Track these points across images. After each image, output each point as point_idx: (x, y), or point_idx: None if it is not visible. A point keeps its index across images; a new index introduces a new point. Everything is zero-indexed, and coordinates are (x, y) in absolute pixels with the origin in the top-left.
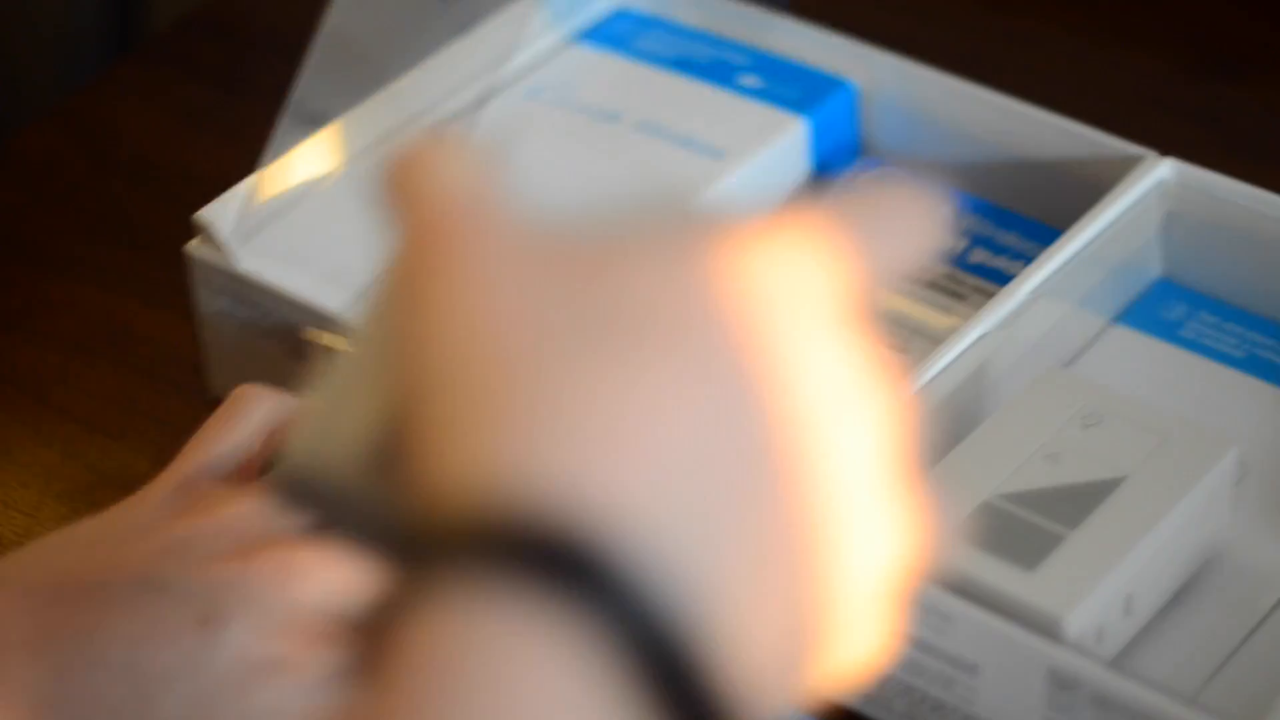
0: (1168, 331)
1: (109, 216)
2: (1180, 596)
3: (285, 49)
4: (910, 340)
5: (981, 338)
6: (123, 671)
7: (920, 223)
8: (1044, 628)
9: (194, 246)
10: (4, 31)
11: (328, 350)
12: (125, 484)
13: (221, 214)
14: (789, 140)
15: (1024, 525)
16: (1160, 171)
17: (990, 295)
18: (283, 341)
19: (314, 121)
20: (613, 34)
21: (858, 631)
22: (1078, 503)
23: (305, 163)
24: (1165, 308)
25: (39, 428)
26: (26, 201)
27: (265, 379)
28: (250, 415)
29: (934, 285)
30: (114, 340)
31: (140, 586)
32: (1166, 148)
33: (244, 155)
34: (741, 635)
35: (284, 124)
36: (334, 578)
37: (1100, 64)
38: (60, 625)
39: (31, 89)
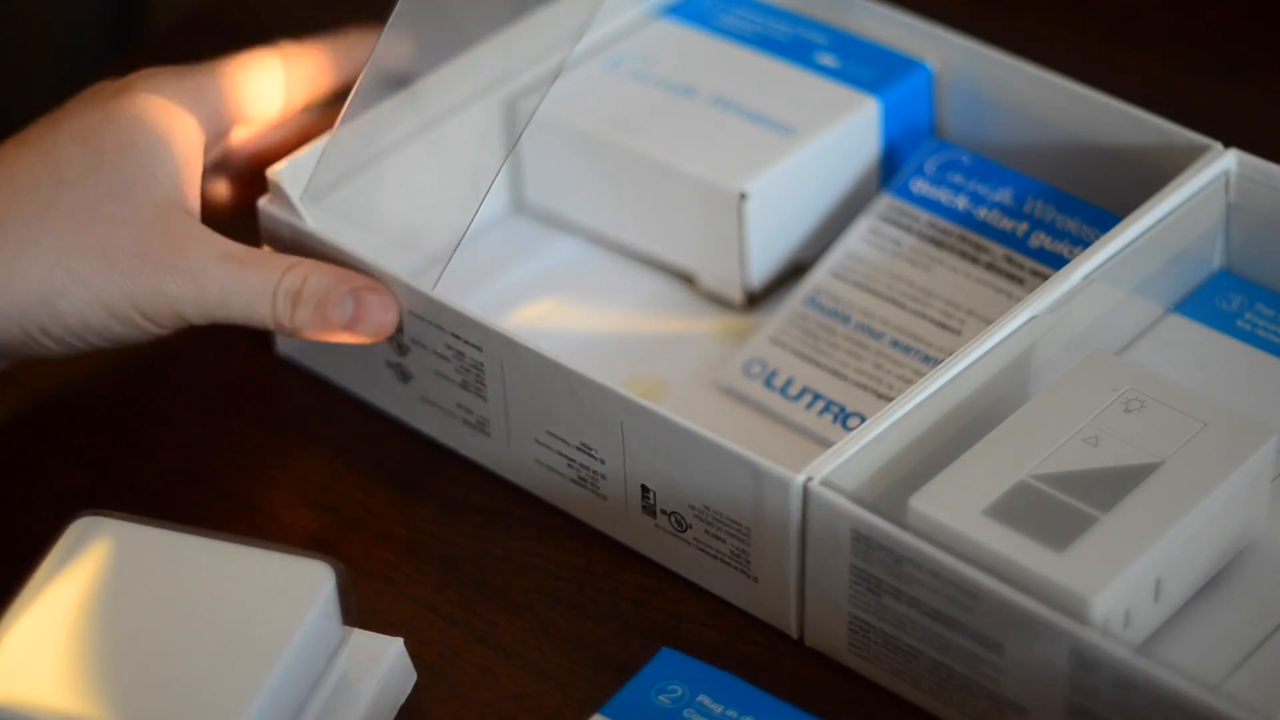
0: (1224, 322)
1: None
2: (1212, 585)
3: None
4: (965, 322)
5: (1031, 320)
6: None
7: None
8: (1071, 609)
9: (264, 203)
10: (4, 31)
11: None
12: (125, 483)
13: (293, 172)
14: (860, 119)
15: (1057, 506)
16: (1225, 162)
17: (1045, 279)
18: None
19: (392, 83)
20: (695, 10)
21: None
22: (1113, 486)
23: (380, 125)
24: (1223, 299)
25: (39, 428)
26: None
27: (325, 346)
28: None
29: (993, 268)
30: None
31: None
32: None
33: None
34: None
35: (362, 84)
36: None
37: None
38: None
39: (32, 89)
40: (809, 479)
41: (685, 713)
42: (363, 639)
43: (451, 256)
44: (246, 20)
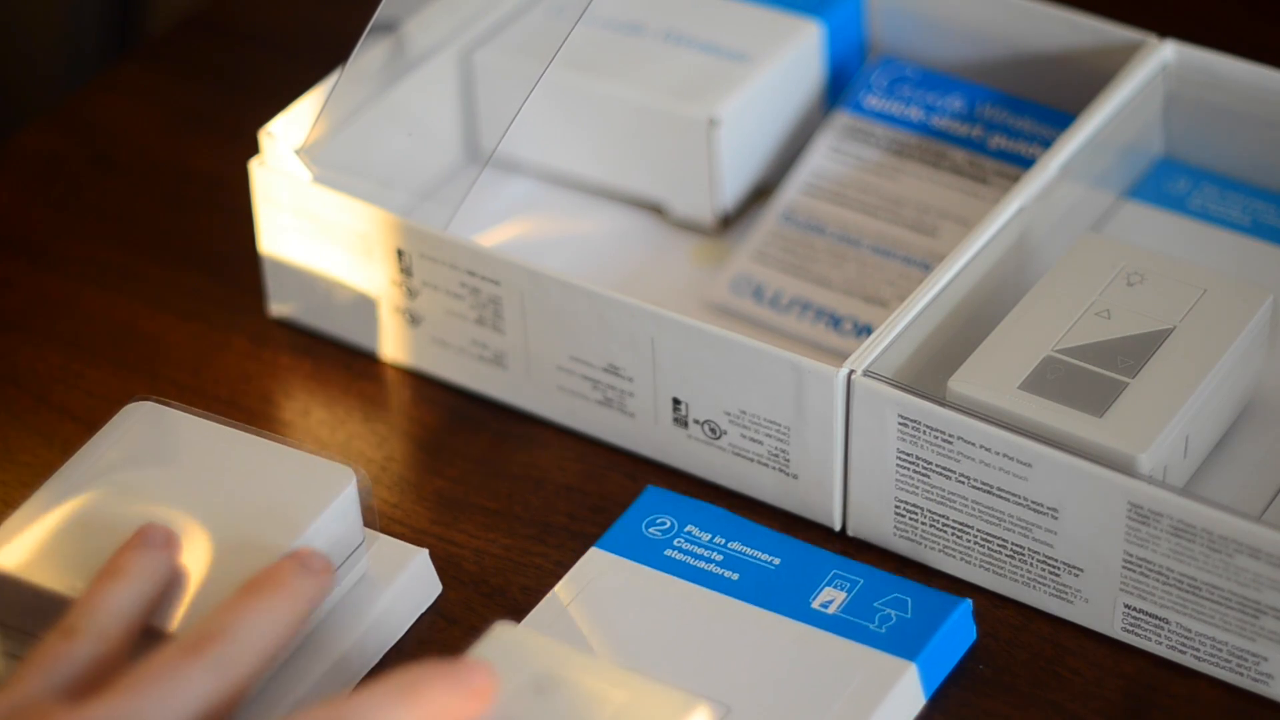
0: (1178, 204)
1: (109, 216)
2: (1224, 439)
3: (285, 49)
4: (939, 223)
5: (1020, 210)
6: None
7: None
8: (1120, 468)
9: (257, 161)
10: (4, 32)
11: None
12: None
13: (286, 128)
14: (806, 44)
15: (1087, 376)
16: (1163, 54)
17: (1011, 178)
18: (344, 253)
19: (386, 30)
20: None
21: None
22: (1133, 353)
23: (366, 73)
24: (1170, 183)
25: (39, 428)
26: (26, 201)
27: (323, 301)
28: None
29: (957, 171)
30: (114, 340)
31: None
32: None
33: (244, 155)
34: None
35: (364, 39)
36: None
37: None
38: None
39: (31, 89)
40: (851, 371)
41: (675, 542)
42: (387, 546)
43: (465, 197)
44: (246, 20)
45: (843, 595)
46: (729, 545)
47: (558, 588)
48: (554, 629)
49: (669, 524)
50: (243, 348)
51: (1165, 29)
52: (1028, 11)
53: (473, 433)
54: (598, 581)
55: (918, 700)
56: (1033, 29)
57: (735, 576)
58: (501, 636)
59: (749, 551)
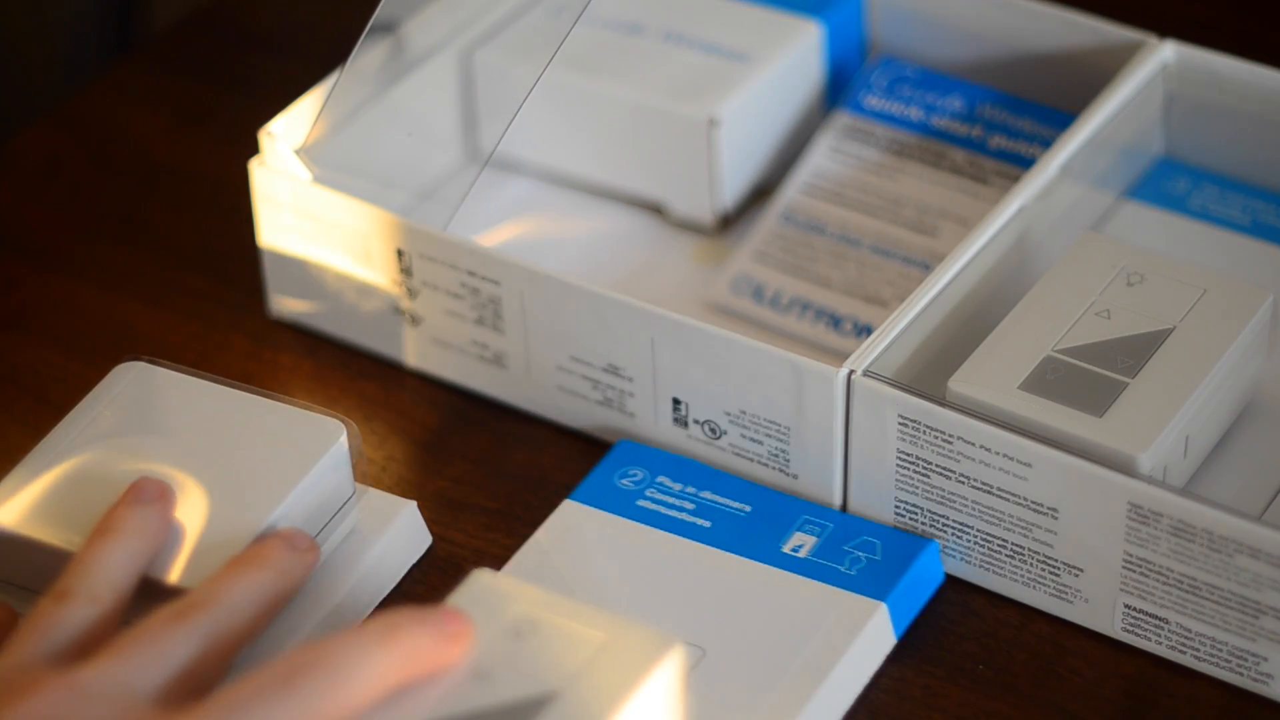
0: (1178, 204)
1: (109, 216)
2: (1223, 440)
3: (285, 49)
4: (939, 223)
5: (1021, 210)
6: None
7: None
8: (1120, 468)
9: (257, 161)
10: (4, 32)
11: None
12: None
13: (285, 128)
14: (806, 44)
15: (1087, 376)
16: (1163, 54)
17: (1011, 178)
18: (345, 253)
19: (386, 30)
20: None
21: None
22: (1133, 354)
23: (366, 73)
24: (1170, 183)
25: (39, 428)
26: (26, 201)
27: (324, 301)
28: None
29: (956, 171)
30: (114, 340)
31: None
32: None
33: (244, 155)
34: None
35: (364, 39)
36: None
37: None
38: None
39: (31, 89)
40: (851, 371)
41: (648, 493)
42: (377, 498)
43: (465, 197)
44: (246, 20)
45: (813, 539)
46: (700, 494)
47: (533, 538)
48: (531, 577)
49: (640, 475)
50: (243, 348)
51: (1165, 29)
52: (1028, 11)
53: (473, 433)
54: (573, 532)
55: (889, 639)
56: (1033, 29)
57: (707, 524)
58: (479, 583)
59: (720, 499)
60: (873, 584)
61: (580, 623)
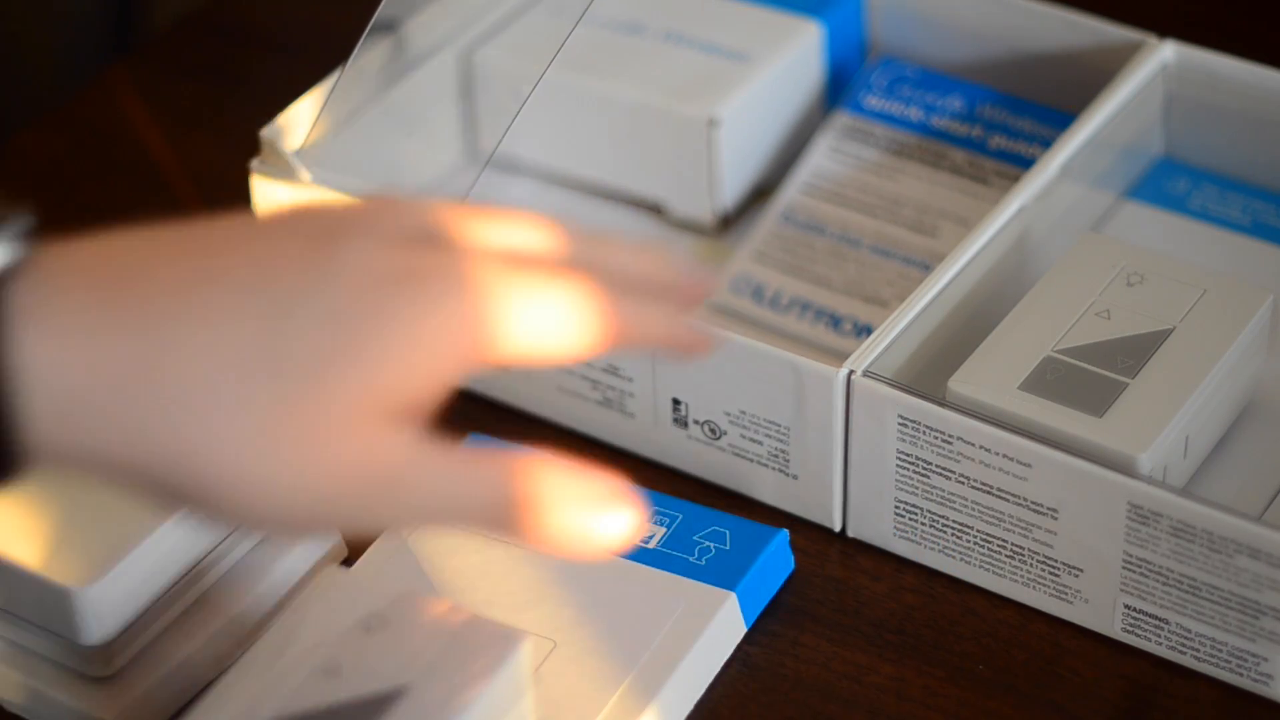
0: (1178, 204)
1: (109, 216)
2: (1223, 440)
3: (284, 49)
4: (939, 223)
5: (1021, 210)
6: (249, 295)
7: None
8: (1120, 469)
9: (256, 164)
10: (4, 32)
11: None
12: None
13: (285, 128)
14: (806, 44)
15: (1087, 376)
16: (1163, 54)
17: (1011, 178)
18: None
19: (386, 30)
20: None
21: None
22: (1133, 354)
23: (366, 73)
24: (1171, 183)
25: None
26: (26, 202)
27: None
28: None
29: (956, 172)
30: None
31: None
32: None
33: (244, 155)
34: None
35: (364, 39)
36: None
37: None
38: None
39: (31, 89)
40: (851, 372)
41: None
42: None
43: (465, 197)
44: (246, 20)
45: (662, 530)
46: None
47: (382, 535)
48: (384, 573)
49: None
50: None
51: (1165, 29)
52: (1028, 11)
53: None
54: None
55: (739, 629)
56: (1033, 29)
57: None
58: (329, 580)
59: None
60: (722, 574)
61: (431, 617)
